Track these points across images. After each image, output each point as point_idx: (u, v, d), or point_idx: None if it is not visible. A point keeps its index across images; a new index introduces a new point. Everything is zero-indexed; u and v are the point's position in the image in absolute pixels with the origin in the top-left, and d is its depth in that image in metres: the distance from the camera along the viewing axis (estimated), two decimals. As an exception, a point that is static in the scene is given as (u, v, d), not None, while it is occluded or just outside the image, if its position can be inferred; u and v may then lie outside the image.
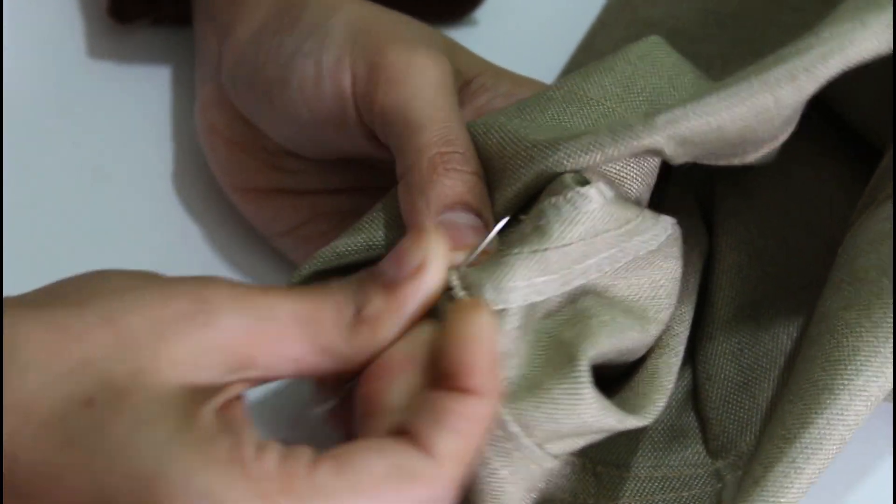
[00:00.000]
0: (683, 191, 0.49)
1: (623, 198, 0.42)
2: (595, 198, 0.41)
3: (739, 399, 0.47)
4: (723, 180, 0.50)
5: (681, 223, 0.45)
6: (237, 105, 0.49)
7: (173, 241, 0.53)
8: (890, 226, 0.43)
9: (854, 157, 0.50)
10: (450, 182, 0.42)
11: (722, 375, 0.47)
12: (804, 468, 0.39)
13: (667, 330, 0.44)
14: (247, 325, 0.38)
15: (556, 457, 0.41)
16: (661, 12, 0.55)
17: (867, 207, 0.44)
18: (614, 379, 0.45)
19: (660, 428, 0.47)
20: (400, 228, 0.44)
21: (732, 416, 0.47)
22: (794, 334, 0.47)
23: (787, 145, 0.48)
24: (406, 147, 0.43)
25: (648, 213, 0.42)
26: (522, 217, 0.41)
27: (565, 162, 0.41)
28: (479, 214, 0.42)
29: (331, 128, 0.46)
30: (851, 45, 0.39)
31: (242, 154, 0.50)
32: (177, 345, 0.37)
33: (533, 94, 0.45)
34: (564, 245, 0.40)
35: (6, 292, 0.47)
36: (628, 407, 0.42)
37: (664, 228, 0.43)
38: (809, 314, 0.44)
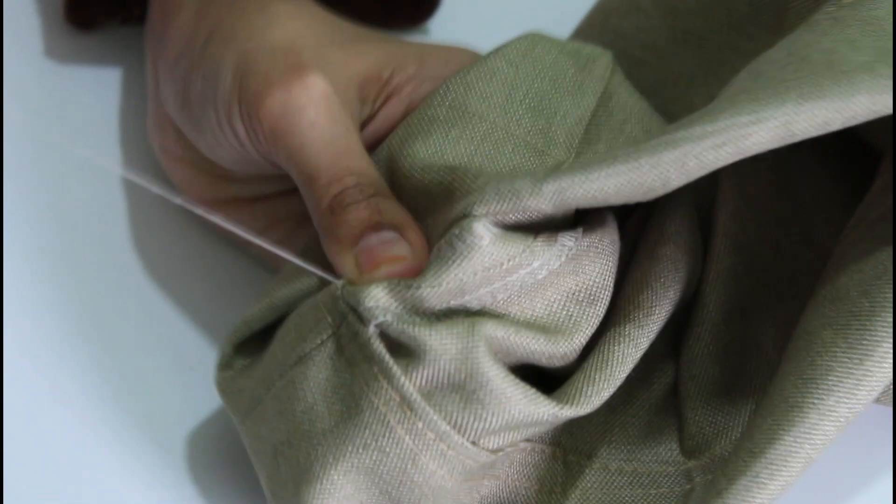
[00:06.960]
0: (681, 191, 0.48)
1: (511, 231, 0.41)
2: (476, 241, 0.40)
3: (719, 402, 0.47)
4: (726, 181, 0.49)
5: (679, 222, 0.45)
6: (177, 123, 0.49)
7: (171, 241, 0.54)
8: (875, 246, 0.43)
9: (853, 173, 0.50)
10: (351, 217, 0.42)
11: (705, 377, 0.47)
12: (767, 484, 0.39)
13: (631, 320, 0.44)
14: None
15: (493, 451, 0.41)
16: (632, 26, 0.54)
17: (856, 228, 0.44)
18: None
19: (637, 422, 0.47)
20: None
21: (710, 419, 0.47)
22: (780, 344, 0.47)
23: (790, 158, 0.47)
24: (307, 200, 0.44)
25: (539, 242, 0.41)
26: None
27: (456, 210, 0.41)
28: (391, 226, 0.42)
29: (251, 163, 0.47)
30: (745, 139, 0.38)
31: (192, 170, 0.51)
32: None
33: (417, 112, 0.46)
34: (436, 287, 0.40)
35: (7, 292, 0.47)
36: (571, 393, 0.42)
37: (558, 253, 0.41)
38: (796, 325, 0.44)
